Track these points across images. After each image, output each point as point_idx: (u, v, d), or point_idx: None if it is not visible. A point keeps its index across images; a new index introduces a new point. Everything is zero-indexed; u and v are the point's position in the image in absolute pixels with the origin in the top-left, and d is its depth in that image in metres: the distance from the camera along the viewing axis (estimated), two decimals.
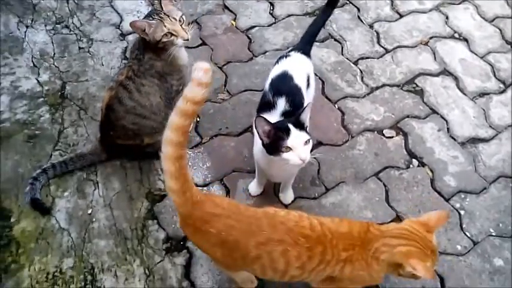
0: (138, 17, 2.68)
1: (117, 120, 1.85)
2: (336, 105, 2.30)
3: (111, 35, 2.59)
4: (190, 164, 2.08)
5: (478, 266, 1.80)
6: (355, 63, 2.49)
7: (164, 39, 1.74)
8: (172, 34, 1.75)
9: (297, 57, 1.87)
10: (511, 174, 2.06)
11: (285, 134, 1.51)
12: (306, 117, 1.56)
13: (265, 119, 1.53)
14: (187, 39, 1.78)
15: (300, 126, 1.54)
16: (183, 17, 1.79)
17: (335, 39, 2.60)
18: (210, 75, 1.21)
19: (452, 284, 1.75)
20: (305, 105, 1.62)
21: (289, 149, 1.52)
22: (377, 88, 2.38)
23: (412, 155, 2.12)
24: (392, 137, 2.18)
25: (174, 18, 1.75)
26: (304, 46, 1.98)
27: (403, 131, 2.21)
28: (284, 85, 1.73)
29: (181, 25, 1.76)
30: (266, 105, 1.71)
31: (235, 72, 2.44)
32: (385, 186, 2.02)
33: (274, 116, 1.66)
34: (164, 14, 1.74)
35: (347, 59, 2.50)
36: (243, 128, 2.19)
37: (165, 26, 1.73)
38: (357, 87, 2.38)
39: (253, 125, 1.60)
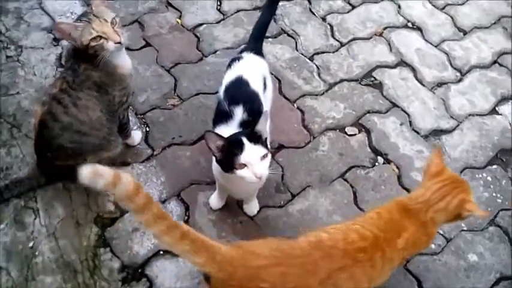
0: (72, 19, 2.44)
1: (53, 139, 1.63)
2: (295, 105, 2.18)
3: (43, 40, 2.33)
4: (142, 180, 1.89)
5: (453, 264, 1.75)
6: (311, 58, 2.37)
7: (93, 43, 1.53)
8: (101, 37, 1.53)
9: (249, 58, 1.73)
10: (475, 165, 2.03)
11: (239, 150, 1.37)
12: (263, 127, 1.42)
13: (215, 133, 1.40)
14: (120, 43, 1.57)
15: (256, 139, 1.40)
16: (116, 18, 1.59)
17: (288, 35, 2.47)
18: (108, 174, 1.08)
19: (430, 285, 1.69)
20: (263, 113, 1.47)
21: (243, 165, 1.38)
22: (335, 84, 2.28)
23: (376, 152, 2.05)
24: (355, 134, 2.10)
25: (104, 19, 1.54)
26: (255, 45, 1.85)
27: (365, 128, 2.12)
28: (240, 92, 1.59)
29: (113, 27, 1.55)
30: (222, 116, 1.56)
31: (184, 75, 2.26)
32: (352, 187, 1.93)
33: (231, 127, 1.52)
34: (93, 15, 1.54)
35: (302, 54, 2.39)
36: (198, 136, 2.03)
37: (93, 29, 1.52)
38: (315, 84, 2.27)
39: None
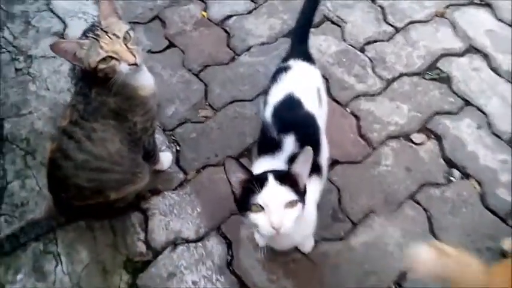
0: (85, 20, 2.16)
1: (67, 179, 1.36)
2: (348, 109, 1.85)
3: None
4: (175, 211, 1.62)
5: None
6: (362, 50, 2.02)
7: (102, 66, 1.23)
8: (112, 58, 1.23)
9: (299, 68, 1.41)
10: None
11: (258, 187, 1.06)
12: (302, 169, 1.08)
13: (237, 161, 1.09)
14: (135, 64, 1.25)
15: (288, 181, 1.08)
16: (131, 32, 1.26)
17: (332, 22, 2.12)
18: None
19: None
20: (303, 151, 1.09)
21: (259, 208, 1.06)
22: (394, 80, 1.92)
23: (451, 164, 1.70)
24: (423, 143, 1.75)
25: (115, 34, 1.22)
26: (301, 48, 1.52)
27: (435, 134, 1.77)
28: (291, 115, 1.27)
29: (126, 44, 1.24)
30: (268, 144, 1.24)
31: (215, 79, 1.95)
32: (425, 211, 1.60)
33: (278, 161, 1.20)
34: (101, 29, 1.22)
35: (351, 45, 2.03)
36: (236, 153, 1.74)
37: (101, 48, 1.21)
38: (370, 81, 1.92)
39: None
